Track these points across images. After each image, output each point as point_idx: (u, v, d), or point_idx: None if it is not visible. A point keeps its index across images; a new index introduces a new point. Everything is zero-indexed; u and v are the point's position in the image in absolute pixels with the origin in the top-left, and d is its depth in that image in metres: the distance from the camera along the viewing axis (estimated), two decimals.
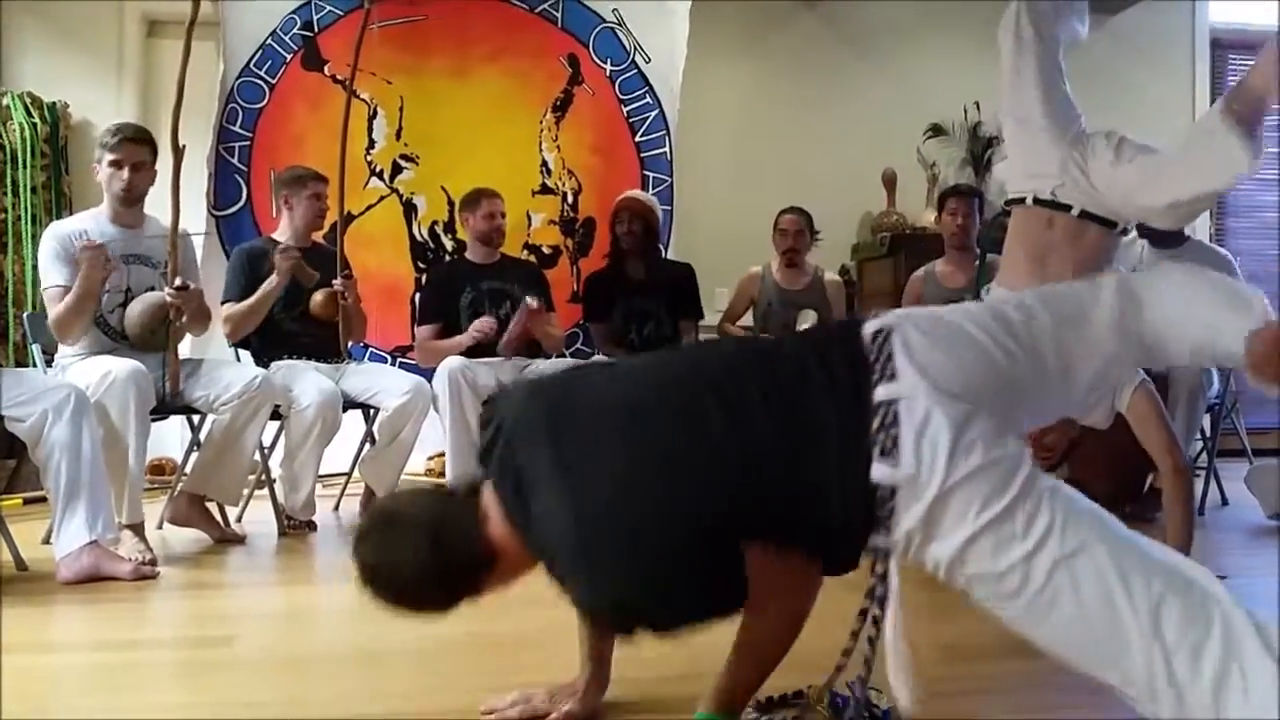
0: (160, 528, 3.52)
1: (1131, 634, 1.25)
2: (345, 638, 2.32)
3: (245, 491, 3.46)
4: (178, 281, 3.21)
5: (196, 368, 3.36)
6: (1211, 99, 6.11)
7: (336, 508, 4.03)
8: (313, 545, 3.38)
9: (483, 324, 3.95)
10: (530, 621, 2.29)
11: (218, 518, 3.39)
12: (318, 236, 3.99)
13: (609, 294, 4.42)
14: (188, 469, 3.97)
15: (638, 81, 5.01)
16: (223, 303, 3.70)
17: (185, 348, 3.42)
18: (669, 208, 4.91)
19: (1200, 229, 5.76)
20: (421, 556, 1.40)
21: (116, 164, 3.24)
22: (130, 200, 3.28)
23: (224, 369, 3.36)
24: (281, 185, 3.93)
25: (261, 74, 4.64)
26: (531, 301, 3.98)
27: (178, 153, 3.23)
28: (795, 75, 5.62)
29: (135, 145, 3.26)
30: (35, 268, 4.05)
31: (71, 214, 4.42)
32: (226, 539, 3.29)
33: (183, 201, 3.29)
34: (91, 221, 3.29)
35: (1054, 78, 2.36)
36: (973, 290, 4.16)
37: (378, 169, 4.79)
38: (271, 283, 3.61)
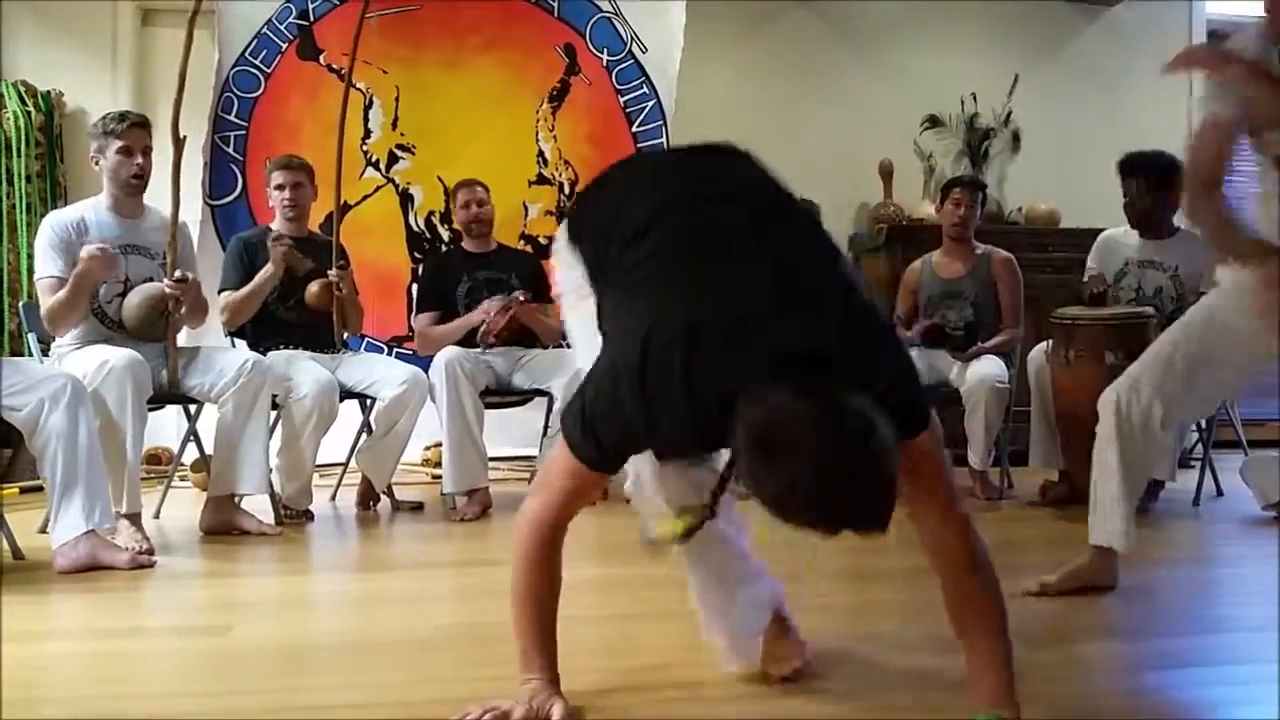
0: (157, 517, 3.52)
1: None
2: (341, 627, 2.32)
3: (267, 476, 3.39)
4: (177, 273, 3.20)
5: (192, 356, 3.35)
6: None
7: (333, 498, 4.03)
8: (309, 535, 3.38)
9: (482, 311, 3.94)
10: None
11: (252, 513, 3.33)
12: (313, 226, 3.98)
13: None
14: (184, 459, 3.98)
15: (635, 72, 5.00)
16: (220, 291, 3.69)
17: (181, 337, 3.40)
18: None
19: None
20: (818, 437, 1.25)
21: (126, 150, 3.22)
22: (140, 188, 3.28)
23: (218, 356, 3.35)
24: (267, 175, 3.93)
25: (257, 63, 4.63)
26: (519, 294, 3.97)
27: (178, 143, 3.22)
28: (792, 66, 5.61)
29: (143, 131, 3.26)
30: (31, 257, 4.04)
31: (66, 203, 4.41)
32: (264, 533, 3.26)
33: (182, 192, 3.29)
34: (90, 211, 3.27)
35: None
36: (971, 280, 4.16)
37: (374, 159, 4.79)
38: (267, 271, 3.60)
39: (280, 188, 3.77)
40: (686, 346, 1.40)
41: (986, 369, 3.92)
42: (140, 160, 3.24)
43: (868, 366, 1.37)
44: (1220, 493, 4.02)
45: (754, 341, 1.37)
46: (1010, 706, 1.45)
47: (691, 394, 1.39)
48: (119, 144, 3.22)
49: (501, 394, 3.99)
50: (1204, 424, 3.99)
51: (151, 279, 3.26)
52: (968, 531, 1.48)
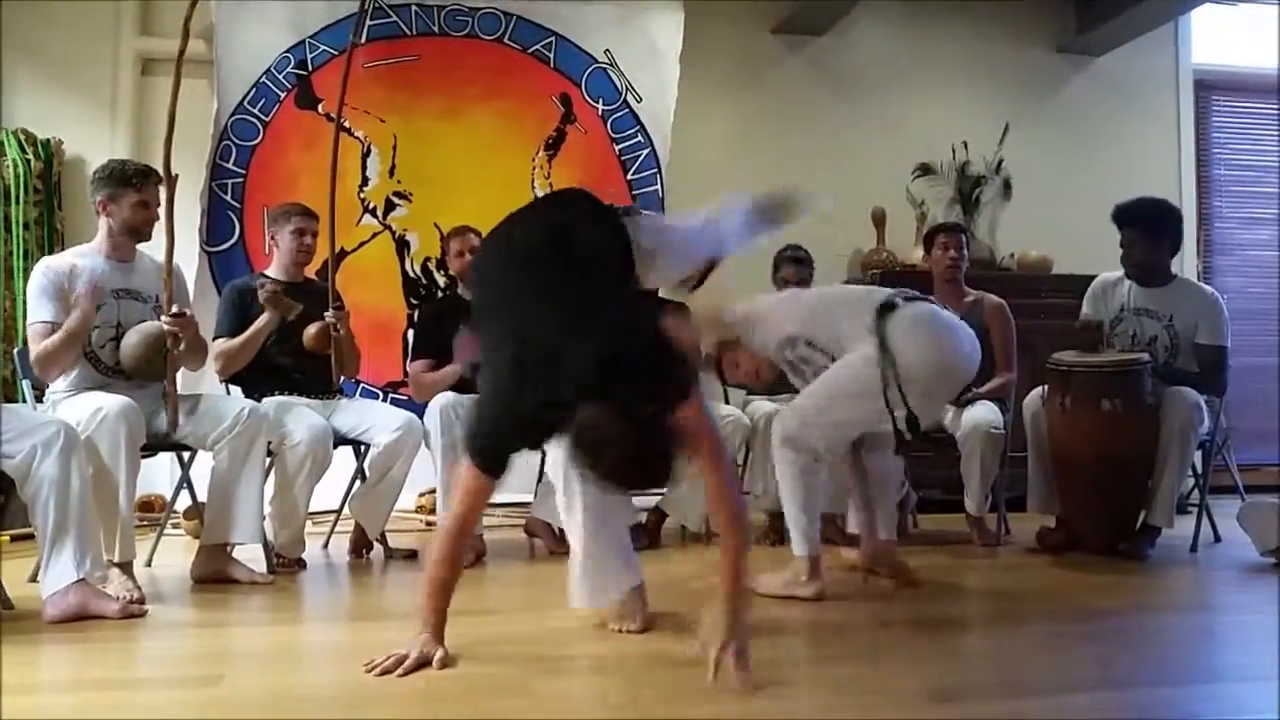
0: (149, 565, 3.49)
1: None
2: (333, 678, 2.29)
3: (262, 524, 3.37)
4: (174, 309, 3.20)
5: (191, 404, 3.34)
6: (1196, 140, 6.19)
7: (326, 545, 4.00)
8: (302, 583, 3.35)
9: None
10: (514, 662, 2.27)
11: (243, 562, 3.31)
12: (310, 272, 3.99)
13: None
14: (177, 506, 3.95)
15: (629, 121, 5.06)
16: (214, 339, 3.69)
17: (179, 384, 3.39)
18: None
19: (1188, 267, 5.81)
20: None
21: (143, 204, 3.27)
22: (147, 238, 3.33)
23: (213, 404, 3.34)
24: (271, 221, 3.94)
25: (255, 111, 4.68)
26: None
27: (170, 181, 3.24)
28: (785, 115, 5.68)
29: (158, 187, 3.30)
30: (27, 303, 4.03)
31: (64, 250, 4.42)
32: (256, 582, 3.23)
33: (176, 240, 3.30)
34: (84, 257, 3.29)
35: None
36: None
37: (371, 206, 4.82)
38: (263, 320, 3.61)
39: (300, 233, 3.80)
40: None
41: (982, 415, 3.92)
42: (154, 215, 3.30)
43: (639, 369, 1.93)
44: (1218, 538, 4.00)
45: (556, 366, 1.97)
46: (729, 613, 2.02)
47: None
48: (137, 197, 3.26)
49: None
50: (1200, 470, 3.98)
51: (144, 323, 3.26)
52: (721, 469, 2.14)
